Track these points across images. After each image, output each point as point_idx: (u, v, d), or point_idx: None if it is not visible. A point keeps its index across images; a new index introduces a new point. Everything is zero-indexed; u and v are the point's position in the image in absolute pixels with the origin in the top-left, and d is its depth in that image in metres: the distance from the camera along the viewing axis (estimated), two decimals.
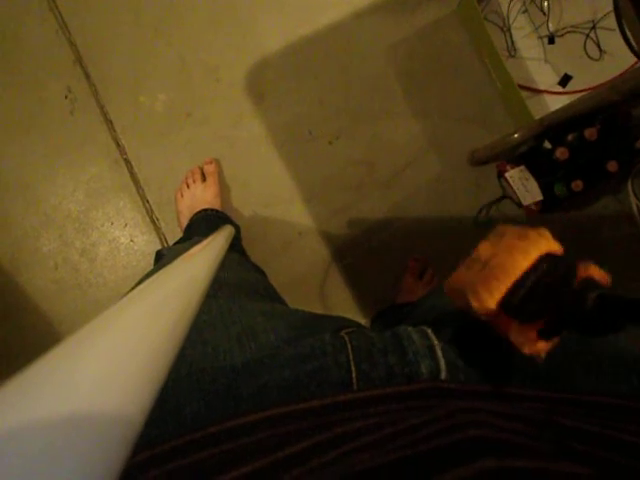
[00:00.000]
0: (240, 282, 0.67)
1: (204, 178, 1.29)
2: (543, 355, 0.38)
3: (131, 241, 1.35)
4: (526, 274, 0.39)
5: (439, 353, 0.42)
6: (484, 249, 0.46)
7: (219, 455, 0.32)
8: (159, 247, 1.34)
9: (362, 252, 1.31)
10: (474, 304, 0.40)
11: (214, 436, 0.34)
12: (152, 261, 1.32)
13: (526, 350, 0.39)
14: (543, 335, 0.38)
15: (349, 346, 0.43)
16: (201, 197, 1.25)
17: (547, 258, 0.40)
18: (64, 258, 1.34)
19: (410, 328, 0.45)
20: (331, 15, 1.31)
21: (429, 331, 0.45)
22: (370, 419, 0.32)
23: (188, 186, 1.28)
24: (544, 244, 0.40)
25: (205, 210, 1.21)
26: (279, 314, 0.54)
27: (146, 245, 1.35)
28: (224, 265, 0.66)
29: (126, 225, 1.35)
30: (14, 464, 0.13)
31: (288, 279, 1.32)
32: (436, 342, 0.43)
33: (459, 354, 0.42)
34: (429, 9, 1.28)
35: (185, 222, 1.23)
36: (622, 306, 0.34)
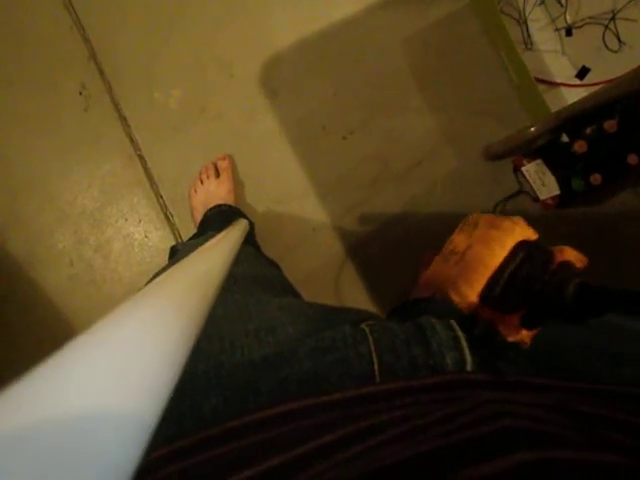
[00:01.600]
0: (256, 276, 0.67)
1: (218, 174, 1.29)
2: (528, 343, 0.38)
3: (145, 237, 1.35)
4: (504, 265, 0.39)
5: (464, 344, 0.41)
6: (459, 240, 0.46)
7: (240, 450, 0.32)
8: (173, 243, 1.34)
9: (377, 247, 1.30)
10: (455, 299, 0.40)
11: (234, 431, 0.34)
12: (166, 257, 1.33)
13: (510, 339, 0.39)
14: (525, 324, 0.38)
15: (370, 338, 0.43)
16: (215, 193, 1.25)
17: (523, 246, 0.39)
18: (79, 254, 1.34)
19: (433, 319, 0.45)
20: (345, 10, 1.30)
21: (453, 322, 0.44)
22: (396, 411, 0.31)
23: (202, 182, 1.28)
24: (519, 232, 0.40)
25: (219, 206, 1.21)
26: (296, 308, 0.53)
27: (160, 241, 1.35)
28: (240, 259, 0.66)
29: (140, 221, 1.35)
30: (27, 462, 0.13)
31: (302, 275, 1.31)
32: (460, 333, 0.42)
33: (484, 345, 0.42)
34: (443, 2, 1.27)
35: (199, 218, 1.23)
36: (601, 294, 0.33)
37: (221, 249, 0.46)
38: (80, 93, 1.35)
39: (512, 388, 0.36)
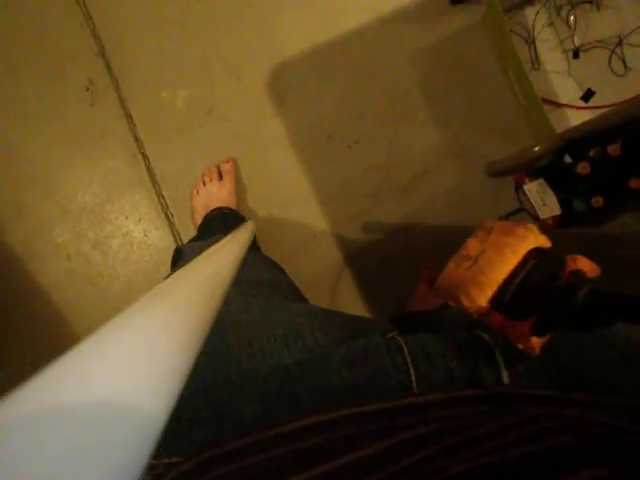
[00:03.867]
0: (274, 283, 0.67)
1: (221, 177, 1.29)
2: (537, 351, 0.38)
3: (145, 235, 1.35)
4: (515, 271, 0.39)
5: (499, 358, 0.42)
6: (472, 246, 0.47)
7: (285, 456, 0.32)
8: (172, 243, 1.34)
9: (376, 257, 1.31)
10: (465, 303, 0.40)
11: (281, 437, 0.34)
12: (165, 256, 1.33)
13: (520, 346, 0.39)
14: (535, 332, 0.38)
15: (405, 348, 0.43)
16: (217, 195, 1.25)
17: (535, 254, 0.40)
18: (77, 249, 1.34)
19: (465, 332, 0.45)
20: (355, 20, 1.31)
21: (485, 335, 0.44)
22: (441, 422, 0.31)
23: (204, 183, 1.28)
24: (532, 239, 0.40)
25: (220, 208, 1.21)
26: (319, 314, 0.54)
27: (159, 240, 1.35)
28: (251, 262, 0.66)
29: (140, 219, 1.35)
30: (40, 457, 0.13)
31: (301, 280, 1.31)
32: (494, 347, 0.43)
33: (517, 358, 0.42)
34: (454, 18, 1.28)
35: (199, 219, 1.23)
36: (612, 302, 0.33)
37: (230, 251, 0.46)
38: (87, 89, 1.35)
39: (555, 403, 0.36)
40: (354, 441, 0.31)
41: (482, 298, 0.39)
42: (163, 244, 1.35)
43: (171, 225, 1.34)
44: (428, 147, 1.29)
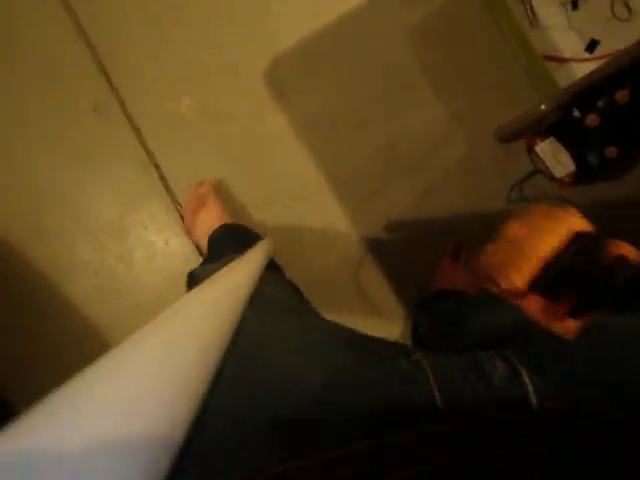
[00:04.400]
0: (285, 300, 0.67)
1: (203, 202, 1.28)
2: (573, 334, 0.38)
3: (166, 244, 1.37)
4: (557, 254, 0.40)
5: (526, 379, 0.40)
6: (513, 229, 0.46)
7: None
8: (193, 249, 1.36)
9: (396, 239, 1.30)
10: (503, 284, 0.41)
11: (359, 453, 0.33)
12: (189, 262, 1.35)
13: (556, 328, 0.38)
14: (574, 314, 0.38)
15: (428, 371, 0.42)
16: (209, 220, 1.24)
17: (577, 238, 0.40)
18: (102, 265, 1.37)
19: (491, 352, 0.44)
20: (347, 4, 1.30)
21: (510, 355, 0.43)
22: (481, 446, 0.31)
23: (193, 216, 1.28)
24: (574, 223, 0.40)
25: (222, 226, 1.21)
26: (338, 332, 0.53)
27: (181, 247, 1.37)
28: (273, 284, 0.66)
29: (160, 229, 1.38)
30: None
31: (321, 272, 1.32)
32: (520, 367, 0.41)
33: (544, 379, 0.40)
34: None
35: (205, 245, 1.22)
36: None
37: (244, 273, 0.46)
38: (94, 109, 1.38)
39: (592, 426, 0.34)
40: (389, 469, 0.30)
41: (520, 279, 0.40)
42: (185, 250, 1.37)
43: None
44: (433, 122, 1.28)
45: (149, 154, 1.37)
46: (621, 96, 1.00)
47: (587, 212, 0.43)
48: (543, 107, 1.06)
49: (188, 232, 1.35)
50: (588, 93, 1.02)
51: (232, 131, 1.34)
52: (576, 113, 1.05)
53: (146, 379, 0.21)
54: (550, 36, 1.18)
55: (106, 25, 1.38)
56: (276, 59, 1.32)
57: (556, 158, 1.11)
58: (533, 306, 0.39)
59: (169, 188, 1.36)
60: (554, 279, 0.38)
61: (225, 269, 0.42)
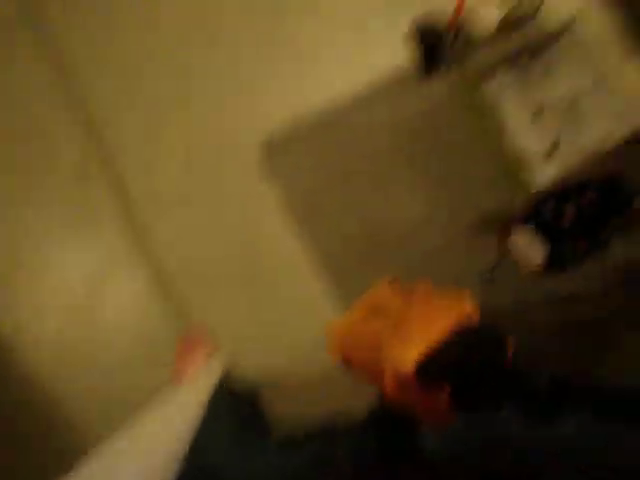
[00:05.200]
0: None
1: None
2: (448, 426, 0.37)
3: (144, 309, 1.36)
4: (449, 342, 0.38)
5: None
6: (393, 301, 0.46)
7: None
8: (175, 316, 1.35)
9: None
10: (393, 363, 0.39)
11: None
12: (165, 329, 1.34)
13: (432, 419, 0.38)
14: (457, 405, 0.37)
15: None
16: (199, 361, 1.22)
17: (468, 330, 0.39)
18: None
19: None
20: (335, 88, 1.34)
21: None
22: None
23: (187, 367, 1.24)
24: (462, 308, 0.40)
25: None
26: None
27: (161, 311, 1.37)
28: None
29: (139, 294, 1.36)
30: None
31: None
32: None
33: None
34: (431, 86, 1.31)
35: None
36: (578, 390, 0.33)
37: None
38: (76, 167, 1.38)
39: None
40: None
41: (409, 363, 0.38)
42: (164, 315, 1.37)
43: (171, 299, 1.36)
44: (410, 210, 1.32)
45: (132, 219, 1.38)
46: (589, 197, 1.11)
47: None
48: (517, 203, 1.15)
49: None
50: (565, 190, 1.12)
51: (223, 204, 1.38)
52: (551, 206, 1.15)
53: None
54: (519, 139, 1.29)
55: (100, 87, 1.40)
56: (266, 140, 1.35)
57: (528, 249, 1.20)
58: (413, 398, 0.38)
59: (152, 254, 1.36)
60: (442, 366, 0.37)
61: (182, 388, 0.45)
